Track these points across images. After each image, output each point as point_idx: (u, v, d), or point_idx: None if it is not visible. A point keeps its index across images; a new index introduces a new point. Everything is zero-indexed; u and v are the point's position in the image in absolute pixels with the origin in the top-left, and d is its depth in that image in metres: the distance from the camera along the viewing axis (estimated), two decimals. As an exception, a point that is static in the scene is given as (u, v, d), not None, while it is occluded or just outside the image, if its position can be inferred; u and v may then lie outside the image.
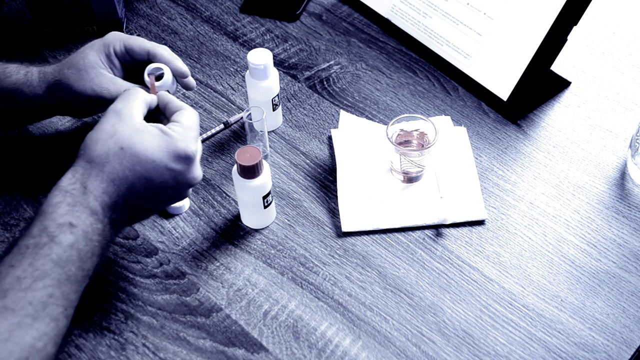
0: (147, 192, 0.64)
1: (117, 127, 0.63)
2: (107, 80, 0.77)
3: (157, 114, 0.70)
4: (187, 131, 0.66)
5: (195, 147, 0.66)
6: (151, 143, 0.63)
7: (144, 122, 0.65)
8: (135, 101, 0.66)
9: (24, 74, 0.80)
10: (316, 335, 0.70)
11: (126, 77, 0.81)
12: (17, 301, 0.54)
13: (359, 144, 0.87)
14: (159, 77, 0.77)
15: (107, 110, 0.65)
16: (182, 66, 0.79)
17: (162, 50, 0.79)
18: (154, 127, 0.65)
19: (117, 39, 0.80)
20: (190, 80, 0.81)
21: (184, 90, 0.94)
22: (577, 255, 0.77)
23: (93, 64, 0.78)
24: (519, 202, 0.82)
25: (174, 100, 0.69)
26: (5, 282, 0.55)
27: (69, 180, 0.61)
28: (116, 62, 0.79)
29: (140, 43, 0.79)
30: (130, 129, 0.63)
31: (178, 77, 0.79)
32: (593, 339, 0.69)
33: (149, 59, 0.78)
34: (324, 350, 0.69)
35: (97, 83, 0.77)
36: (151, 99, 0.69)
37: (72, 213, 0.59)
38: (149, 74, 0.77)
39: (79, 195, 0.60)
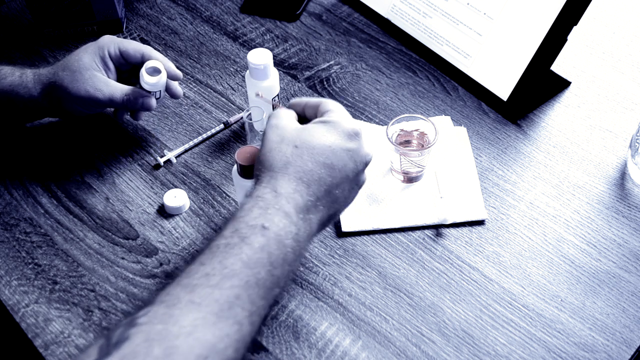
0: (334, 181, 0.62)
1: (282, 134, 0.63)
2: (101, 82, 0.79)
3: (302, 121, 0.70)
4: (342, 113, 0.66)
5: (358, 124, 0.66)
6: (320, 133, 0.63)
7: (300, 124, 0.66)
8: (284, 112, 0.66)
9: (18, 76, 0.80)
10: (316, 335, 0.70)
11: (119, 79, 0.83)
12: (204, 297, 0.53)
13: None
14: (155, 73, 0.80)
15: (265, 133, 0.64)
16: (176, 69, 0.81)
17: (156, 54, 0.81)
18: (313, 123, 0.65)
19: (111, 41, 0.81)
20: (179, 88, 0.84)
21: (184, 91, 0.94)
22: (577, 255, 0.77)
23: (87, 66, 0.79)
24: (519, 202, 0.82)
25: (309, 100, 0.69)
26: (194, 277, 0.54)
27: (260, 189, 0.61)
28: (110, 64, 0.81)
29: (134, 46, 0.81)
30: (295, 130, 0.63)
31: (170, 78, 0.82)
32: (593, 339, 0.69)
33: (143, 61, 0.80)
34: (324, 350, 0.69)
35: (91, 85, 0.78)
36: (294, 110, 0.69)
37: (265, 216, 0.58)
38: (146, 71, 0.79)
39: (271, 199, 0.59)
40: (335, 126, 0.64)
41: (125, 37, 1.03)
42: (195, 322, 0.51)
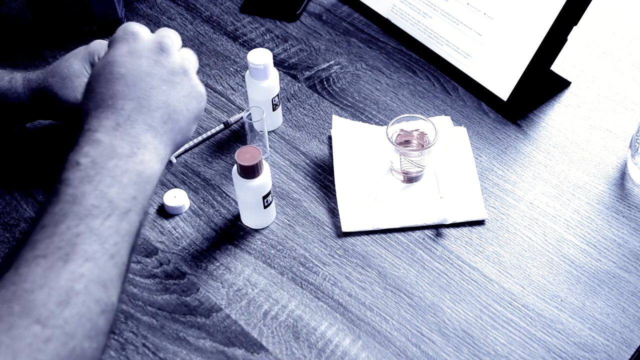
0: (135, 87, 0.60)
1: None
2: None
3: None
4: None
5: (139, 29, 0.64)
6: (102, 60, 0.63)
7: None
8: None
9: (7, 81, 0.80)
10: (316, 335, 0.70)
11: None
12: (45, 248, 0.52)
13: (357, 144, 0.87)
14: None
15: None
16: None
17: None
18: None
19: (102, 47, 0.80)
20: None
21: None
22: (577, 255, 0.77)
23: (77, 73, 0.79)
24: (519, 202, 0.82)
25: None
26: (33, 235, 0.54)
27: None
28: None
29: None
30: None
31: None
32: (593, 339, 0.69)
33: None
34: (324, 350, 0.69)
35: (80, 92, 0.76)
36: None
37: (78, 152, 0.57)
38: None
39: (80, 138, 0.58)
40: (112, 42, 0.64)
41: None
42: (44, 273, 0.51)
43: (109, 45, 0.64)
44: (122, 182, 0.56)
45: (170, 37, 0.65)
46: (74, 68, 0.79)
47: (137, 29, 0.64)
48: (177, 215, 0.80)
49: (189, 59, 0.66)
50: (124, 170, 0.57)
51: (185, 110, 0.63)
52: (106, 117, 0.59)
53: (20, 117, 0.82)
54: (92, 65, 0.79)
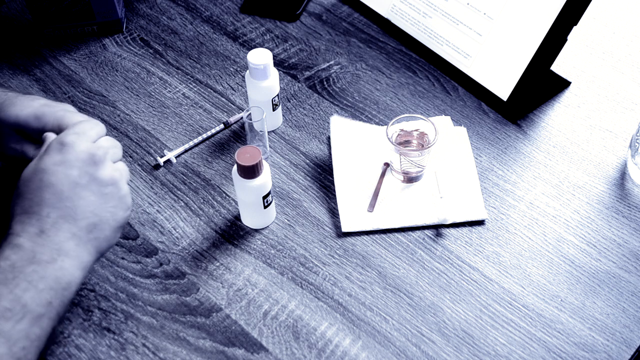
0: (62, 196, 0.62)
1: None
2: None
3: None
4: (57, 136, 0.66)
5: (70, 137, 0.64)
6: (35, 163, 0.64)
7: None
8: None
9: None
10: (316, 335, 0.70)
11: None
12: None
13: (356, 144, 0.87)
14: None
15: None
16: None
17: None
18: None
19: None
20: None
21: (184, 91, 0.94)
22: (577, 255, 0.77)
23: (30, 97, 0.74)
24: (519, 202, 0.82)
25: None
26: None
27: None
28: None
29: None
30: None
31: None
32: (593, 339, 0.69)
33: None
34: (324, 350, 0.69)
35: (24, 113, 0.72)
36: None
37: None
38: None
39: (4, 242, 0.61)
40: (46, 150, 0.64)
41: (125, 37, 1.03)
42: None
43: (44, 152, 0.64)
44: (38, 287, 0.59)
45: (104, 147, 0.66)
46: (30, 98, 0.74)
47: (73, 140, 0.64)
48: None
49: (120, 169, 0.67)
50: (41, 276, 0.59)
51: (112, 220, 0.65)
52: (30, 223, 0.61)
53: None
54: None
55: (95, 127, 0.67)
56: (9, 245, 0.60)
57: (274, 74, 0.84)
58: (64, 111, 0.71)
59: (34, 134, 0.71)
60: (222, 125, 0.90)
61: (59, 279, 0.60)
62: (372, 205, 0.80)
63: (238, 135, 0.89)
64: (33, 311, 0.58)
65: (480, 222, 0.80)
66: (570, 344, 0.69)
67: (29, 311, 0.57)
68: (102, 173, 0.64)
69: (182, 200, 0.82)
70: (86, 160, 0.64)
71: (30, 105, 0.72)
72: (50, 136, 0.67)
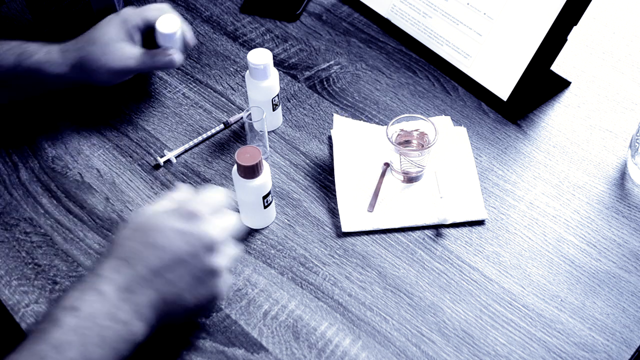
0: (163, 262, 0.61)
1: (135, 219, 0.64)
2: (131, 50, 0.83)
3: None
4: (185, 193, 0.68)
5: (199, 207, 0.65)
6: (157, 215, 0.64)
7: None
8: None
9: (45, 53, 0.82)
10: (316, 335, 0.70)
11: (149, 45, 0.86)
12: None
13: (357, 144, 0.87)
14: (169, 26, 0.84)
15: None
16: (190, 34, 0.88)
17: (174, 14, 0.86)
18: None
19: (133, 15, 0.84)
20: (191, 36, 0.89)
21: (184, 91, 0.94)
22: (577, 255, 0.77)
23: (115, 38, 0.82)
24: (519, 202, 0.82)
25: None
26: None
27: (87, 274, 0.61)
28: (136, 36, 0.84)
29: (155, 14, 0.84)
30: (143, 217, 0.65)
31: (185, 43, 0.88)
32: (593, 339, 0.69)
33: None
34: (324, 350, 0.69)
35: (123, 54, 0.82)
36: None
37: (80, 297, 0.58)
38: (160, 25, 0.84)
39: (90, 280, 0.60)
40: (173, 211, 0.64)
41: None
42: None
43: (166, 214, 0.64)
44: (107, 344, 0.58)
45: (226, 235, 0.65)
46: (112, 34, 0.82)
47: (203, 218, 0.64)
48: (169, 46, 0.85)
49: (226, 262, 0.65)
50: (113, 335, 0.58)
51: (193, 306, 0.63)
52: (122, 273, 0.60)
53: (57, 87, 0.86)
54: (127, 31, 0.83)
55: (225, 198, 0.68)
56: (95, 291, 0.59)
57: (274, 74, 0.84)
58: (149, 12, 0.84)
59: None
60: (222, 125, 0.90)
61: (128, 341, 0.59)
62: (372, 205, 0.80)
63: (238, 135, 0.89)
64: None
65: (480, 222, 0.80)
66: (570, 344, 0.69)
67: None
68: (211, 260, 0.63)
69: (182, 200, 0.82)
70: (206, 245, 0.63)
71: (126, 55, 0.83)
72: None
